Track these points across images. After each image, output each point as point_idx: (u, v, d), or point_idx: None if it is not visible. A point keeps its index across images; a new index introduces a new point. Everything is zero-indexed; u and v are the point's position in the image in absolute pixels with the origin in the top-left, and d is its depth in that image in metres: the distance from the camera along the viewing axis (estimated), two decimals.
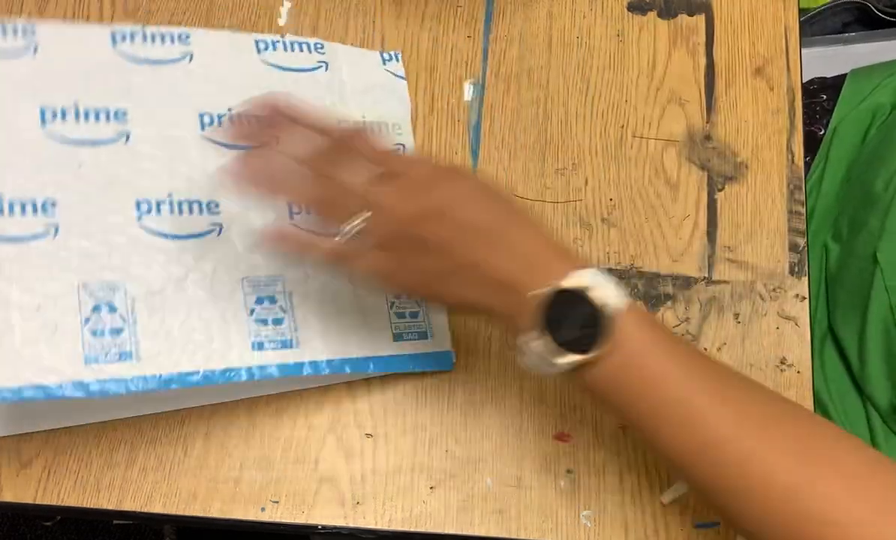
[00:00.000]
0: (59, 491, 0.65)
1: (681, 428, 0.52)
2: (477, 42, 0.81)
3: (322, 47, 0.75)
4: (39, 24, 0.65)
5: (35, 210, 0.61)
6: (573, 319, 0.52)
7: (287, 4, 0.81)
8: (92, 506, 0.65)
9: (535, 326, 0.52)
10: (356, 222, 0.54)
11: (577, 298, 0.52)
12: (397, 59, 0.78)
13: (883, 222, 0.78)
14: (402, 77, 0.78)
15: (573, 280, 0.52)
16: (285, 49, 0.73)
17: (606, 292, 0.52)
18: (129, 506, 0.65)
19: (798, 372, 0.70)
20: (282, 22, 0.80)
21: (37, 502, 0.65)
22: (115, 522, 1.12)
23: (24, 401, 0.56)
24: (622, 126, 0.79)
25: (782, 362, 0.71)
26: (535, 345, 0.53)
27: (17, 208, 0.60)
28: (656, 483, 0.67)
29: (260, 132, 0.58)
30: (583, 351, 0.52)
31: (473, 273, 0.54)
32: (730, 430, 0.51)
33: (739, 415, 0.52)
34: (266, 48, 0.73)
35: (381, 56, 0.78)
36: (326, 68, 0.74)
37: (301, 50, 0.74)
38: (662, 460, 0.57)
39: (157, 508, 0.65)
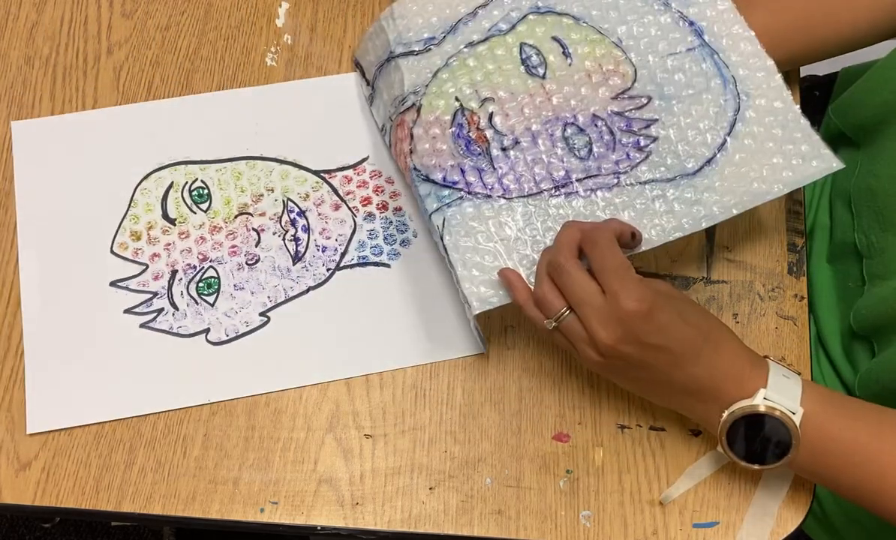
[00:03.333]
0: (58, 492, 0.65)
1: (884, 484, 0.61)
2: None
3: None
4: None
5: None
6: (759, 437, 0.61)
7: (285, 5, 0.81)
8: (91, 507, 0.65)
9: (723, 443, 0.61)
10: (552, 324, 0.62)
11: (761, 418, 0.60)
12: None
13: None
14: None
15: (757, 400, 0.60)
16: None
17: (789, 402, 0.60)
18: (128, 507, 0.65)
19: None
20: (280, 23, 0.80)
21: (36, 504, 0.65)
22: (113, 523, 1.12)
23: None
24: None
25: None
26: (725, 452, 0.62)
27: None
28: (655, 483, 0.67)
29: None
30: (770, 462, 0.61)
31: (665, 386, 0.62)
32: None
33: None
34: None
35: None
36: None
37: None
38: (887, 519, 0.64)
39: (157, 509, 0.65)
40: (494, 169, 0.69)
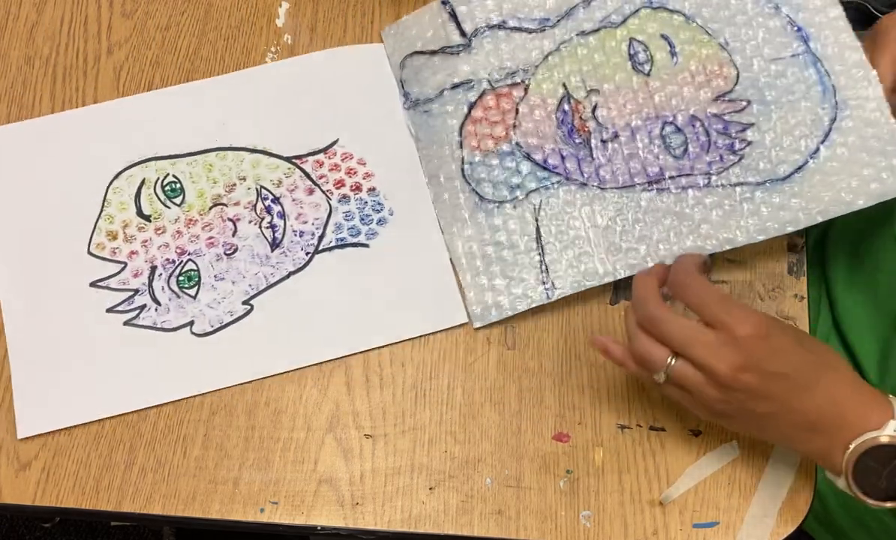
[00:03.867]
0: (58, 492, 0.65)
1: None
2: None
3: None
4: None
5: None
6: (883, 472, 0.57)
7: (285, 5, 0.81)
8: (91, 507, 0.65)
9: (846, 477, 0.58)
10: (662, 377, 0.60)
11: (887, 451, 0.57)
12: None
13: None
14: None
15: (889, 430, 0.57)
16: None
17: None
18: (128, 507, 0.65)
19: None
20: (280, 23, 0.80)
21: (36, 504, 0.65)
22: (113, 523, 1.12)
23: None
24: None
25: None
26: (842, 485, 0.59)
27: None
28: (655, 483, 0.67)
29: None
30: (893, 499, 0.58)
31: (782, 418, 0.60)
32: None
33: None
34: None
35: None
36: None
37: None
38: None
39: (157, 509, 0.65)
40: (593, 159, 0.72)
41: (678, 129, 0.72)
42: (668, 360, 0.60)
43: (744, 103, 0.72)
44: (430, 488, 0.67)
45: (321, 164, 0.75)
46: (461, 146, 0.75)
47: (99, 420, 0.67)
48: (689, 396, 0.61)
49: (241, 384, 0.69)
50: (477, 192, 0.73)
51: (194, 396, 0.68)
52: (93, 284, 0.71)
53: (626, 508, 0.66)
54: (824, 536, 0.77)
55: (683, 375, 0.60)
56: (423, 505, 0.66)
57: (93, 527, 1.31)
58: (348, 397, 0.69)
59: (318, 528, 0.66)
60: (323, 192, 0.74)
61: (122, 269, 0.72)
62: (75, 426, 0.67)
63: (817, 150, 0.70)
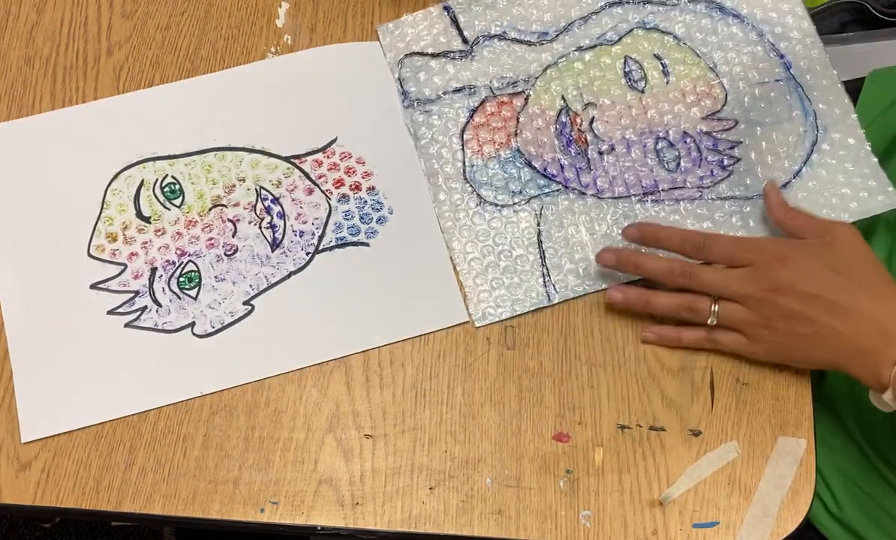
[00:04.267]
0: (58, 493, 0.65)
1: None
2: None
3: None
4: None
5: None
6: None
7: (285, 5, 0.81)
8: (91, 507, 0.65)
9: (889, 390, 0.61)
10: (713, 319, 0.67)
11: None
12: None
13: None
14: None
15: None
16: None
17: None
18: (128, 507, 0.65)
19: (796, 371, 0.70)
20: (280, 23, 0.80)
21: (36, 504, 0.65)
22: (113, 523, 1.12)
23: None
24: None
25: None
26: (888, 398, 0.62)
27: None
28: (655, 483, 0.67)
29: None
30: None
31: (827, 339, 0.64)
32: None
33: None
34: None
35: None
36: None
37: None
38: None
39: (157, 509, 0.65)
40: (591, 169, 0.75)
41: (671, 144, 0.76)
42: (712, 306, 0.67)
43: (731, 122, 0.76)
44: (431, 488, 0.67)
45: (320, 164, 0.75)
46: (463, 149, 0.75)
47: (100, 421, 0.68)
48: (741, 338, 0.67)
49: (242, 385, 0.69)
50: (478, 194, 0.74)
51: (194, 398, 0.68)
52: (93, 286, 0.71)
53: (626, 508, 0.67)
54: (838, 534, 0.77)
55: (729, 311, 0.66)
56: (423, 505, 0.66)
57: (93, 527, 1.31)
58: (348, 397, 0.69)
59: (318, 528, 0.66)
60: (322, 191, 0.74)
61: (123, 270, 0.72)
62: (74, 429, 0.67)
63: (800, 169, 0.75)
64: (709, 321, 0.67)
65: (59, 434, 0.67)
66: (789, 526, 0.66)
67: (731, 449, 0.68)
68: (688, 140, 0.76)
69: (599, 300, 0.72)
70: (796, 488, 0.67)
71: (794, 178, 0.75)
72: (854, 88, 0.92)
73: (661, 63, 0.78)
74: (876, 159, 0.75)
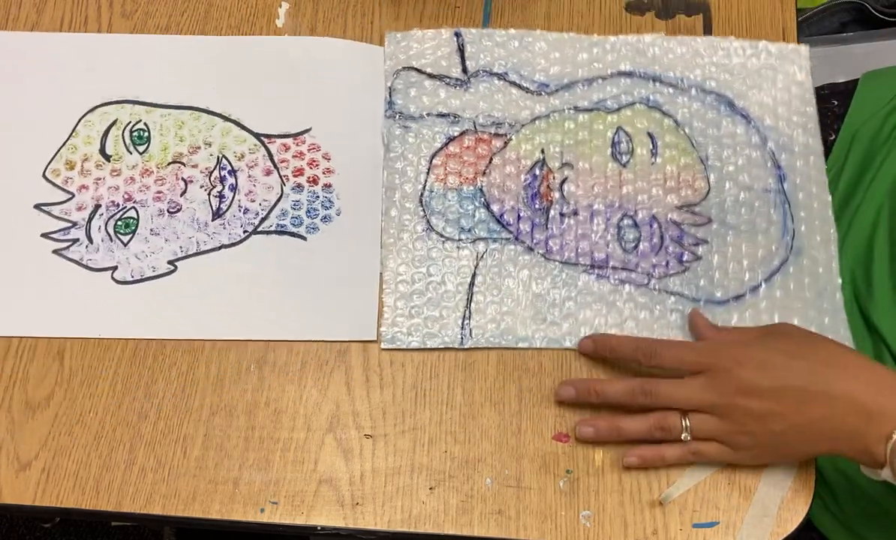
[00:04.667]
0: (58, 493, 0.65)
1: None
2: None
3: None
4: None
5: None
6: None
7: (285, 5, 0.81)
8: (91, 507, 0.65)
9: (892, 467, 0.58)
10: (687, 436, 0.64)
11: None
12: None
13: None
14: None
15: None
16: None
17: None
18: (128, 507, 0.65)
19: None
20: (280, 23, 0.80)
21: (36, 504, 0.65)
22: (113, 523, 1.12)
23: None
24: None
25: None
26: (887, 475, 0.59)
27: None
28: (655, 483, 0.67)
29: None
30: None
31: (805, 430, 0.61)
32: None
33: None
34: None
35: None
36: None
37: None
38: None
39: (157, 509, 0.65)
40: (547, 227, 0.73)
41: (635, 225, 0.74)
42: (682, 420, 0.64)
43: (705, 219, 0.74)
44: (430, 488, 0.67)
45: (287, 149, 0.76)
46: (427, 172, 0.75)
47: (99, 420, 0.67)
48: (722, 447, 0.64)
49: (236, 383, 0.69)
50: (428, 221, 0.74)
51: (194, 399, 0.69)
52: (37, 206, 0.73)
53: (626, 507, 0.67)
54: (839, 534, 0.77)
55: (702, 424, 0.64)
56: (423, 505, 0.66)
57: (93, 527, 1.31)
58: (348, 397, 0.69)
59: (318, 528, 0.66)
60: (280, 175, 0.75)
61: (69, 199, 0.74)
62: (75, 426, 0.67)
63: (759, 286, 0.72)
64: (682, 437, 0.65)
65: (59, 435, 0.67)
66: (789, 526, 0.66)
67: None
68: (654, 225, 0.74)
69: None
70: (796, 488, 0.67)
71: (750, 293, 0.72)
72: (849, 89, 0.93)
73: (653, 142, 0.76)
74: (842, 296, 0.72)
